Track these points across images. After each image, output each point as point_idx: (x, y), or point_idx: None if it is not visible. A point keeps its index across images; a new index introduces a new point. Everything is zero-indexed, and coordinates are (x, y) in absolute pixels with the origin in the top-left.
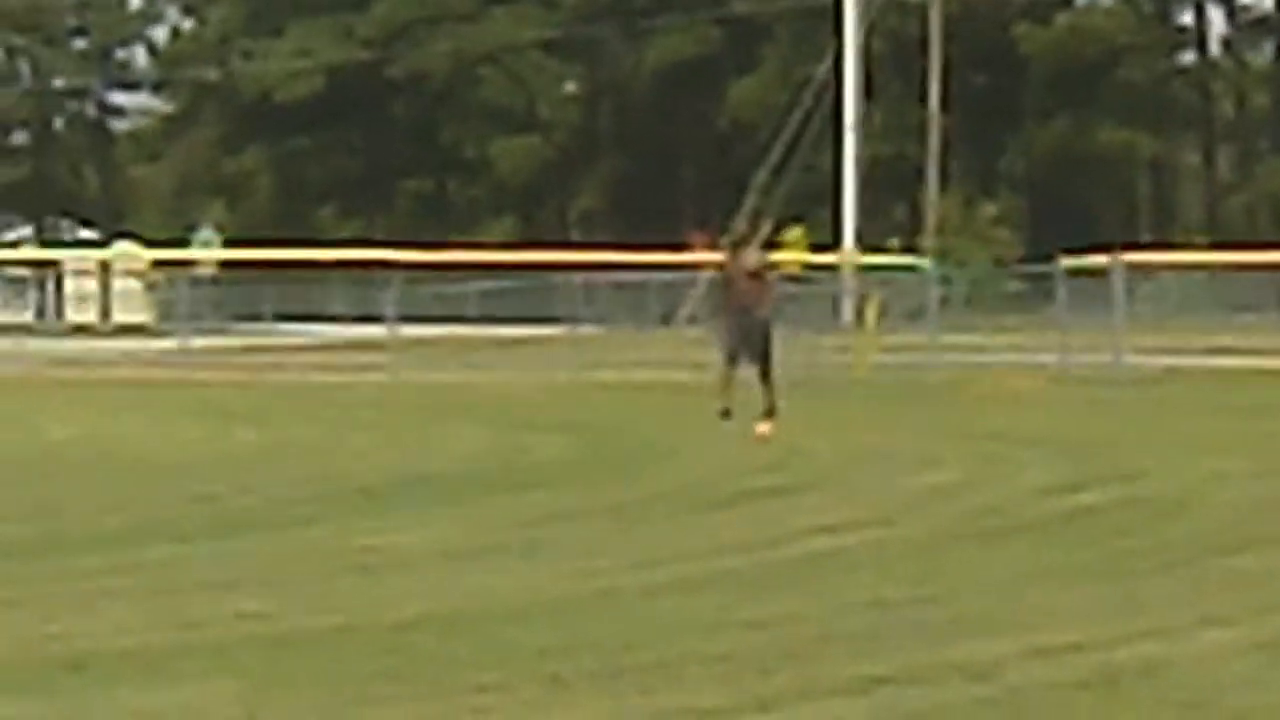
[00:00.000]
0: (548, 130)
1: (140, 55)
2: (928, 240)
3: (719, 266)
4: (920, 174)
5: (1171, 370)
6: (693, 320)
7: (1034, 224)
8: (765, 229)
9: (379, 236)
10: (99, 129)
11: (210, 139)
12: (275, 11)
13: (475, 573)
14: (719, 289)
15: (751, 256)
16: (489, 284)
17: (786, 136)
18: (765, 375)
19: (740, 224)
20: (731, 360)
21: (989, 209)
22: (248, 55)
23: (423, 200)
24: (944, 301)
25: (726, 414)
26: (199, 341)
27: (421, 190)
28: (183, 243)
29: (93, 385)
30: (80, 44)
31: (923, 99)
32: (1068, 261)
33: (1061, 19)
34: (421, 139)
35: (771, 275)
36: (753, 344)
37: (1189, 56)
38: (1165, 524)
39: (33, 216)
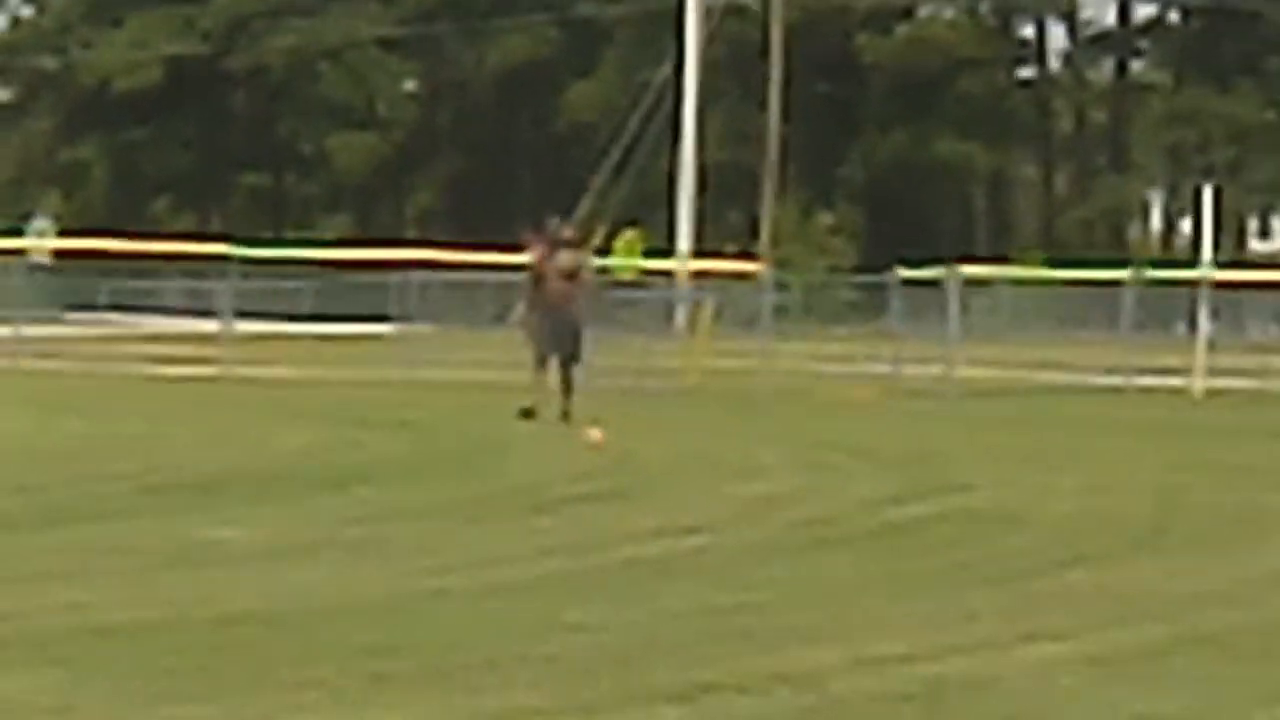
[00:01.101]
0: (386, 127)
1: None
2: (764, 248)
3: (533, 265)
4: (758, 181)
5: (1004, 384)
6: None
7: (871, 234)
8: (594, 230)
9: (215, 229)
10: None
11: (47, 128)
12: (115, 2)
13: (301, 569)
14: (531, 288)
15: (566, 256)
16: (324, 281)
17: (625, 140)
18: (568, 378)
19: (554, 223)
20: (541, 362)
21: (826, 218)
22: (86, 45)
23: (259, 194)
24: (779, 310)
25: (528, 413)
26: (31, 330)
27: (258, 184)
28: (17, 231)
29: None
30: None
31: (762, 106)
32: (903, 272)
33: (903, 30)
34: (259, 133)
35: (587, 276)
36: (563, 345)
37: (1029, 70)
38: (995, 537)
39: None
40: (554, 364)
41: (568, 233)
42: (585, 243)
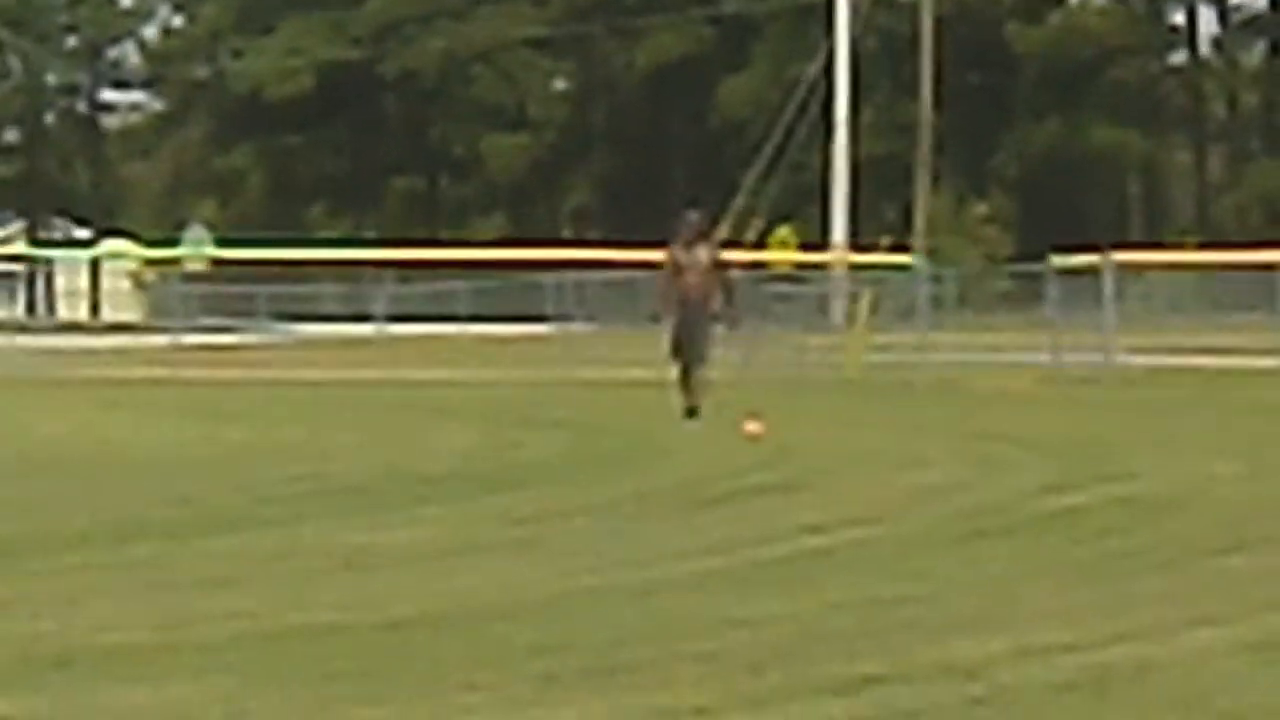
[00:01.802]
0: (538, 128)
1: (131, 53)
2: (918, 239)
3: (670, 261)
4: (911, 173)
5: (1162, 370)
6: (735, 325)
7: (1025, 223)
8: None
9: (369, 234)
10: (90, 126)
11: (201, 137)
12: (266, 9)
13: (465, 571)
14: (667, 283)
15: (705, 251)
16: (479, 282)
17: (777, 135)
18: (697, 378)
19: (692, 217)
20: (677, 356)
21: (980, 208)
22: (238, 53)
23: (413, 198)
24: (935, 301)
25: (692, 412)
26: (190, 339)
27: (412, 188)
28: (173, 241)
29: (82, 383)
30: (72, 41)
31: (914, 98)
32: (1058, 260)
33: (1053, 18)
34: (412, 137)
35: (727, 271)
36: (694, 346)
37: (1180, 56)
38: (1157, 524)
39: (24, 213)
40: (685, 361)
41: (700, 226)
42: (709, 238)
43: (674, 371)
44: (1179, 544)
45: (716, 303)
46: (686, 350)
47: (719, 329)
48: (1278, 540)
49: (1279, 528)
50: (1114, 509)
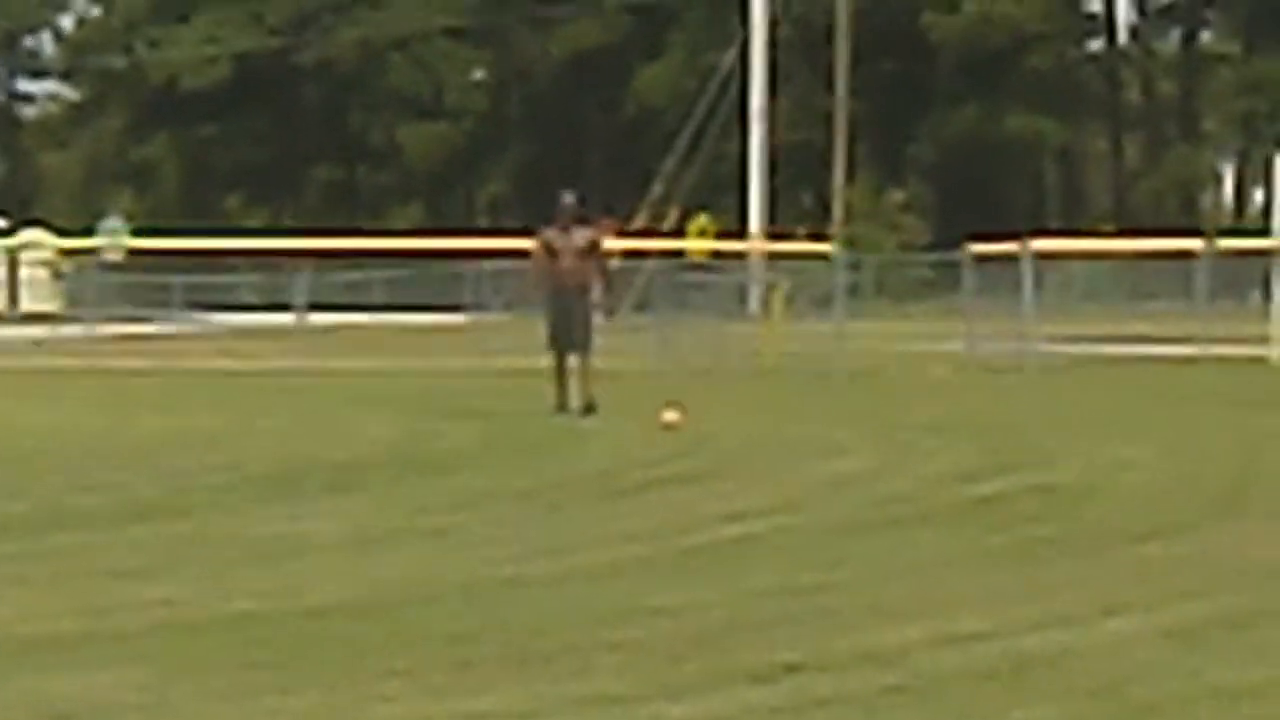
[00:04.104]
0: (455, 117)
1: (47, 42)
2: (836, 227)
3: (543, 246)
4: (828, 161)
5: (1078, 358)
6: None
7: (942, 211)
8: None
9: (288, 224)
10: (6, 116)
11: (118, 127)
12: None
13: (384, 559)
14: (537, 268)
15: (580, 235)
16: (398, 271)
17: (694, 124)
18: (583, 368)
19: (568, 198)
20: (554, 346)
21: (897, 196)
22: (154, 43)
23: (331, 187)
24: (852, 289)
25: (562, 407)
26: (107, 329)
27: (330, 177)
28: (90, 231)
29: (1, 373)
30: None
31: (830, 86)
32: (976, 248)
33: (970, 6)
34: (330, 126)
35: (603, 255)
36: (574, 334)
37: (1098, 44)
38: (1073, 511)
39: None
40: (569, 350)
41: (576, 209)
42: (588, 222)
43: (549, 361)
44: (1095, 531)
45: (594, 289)
46: (564, 339)
47: (597, 318)
48: (1193, 527)
49: (1194, 514)
50: (1031, 496)
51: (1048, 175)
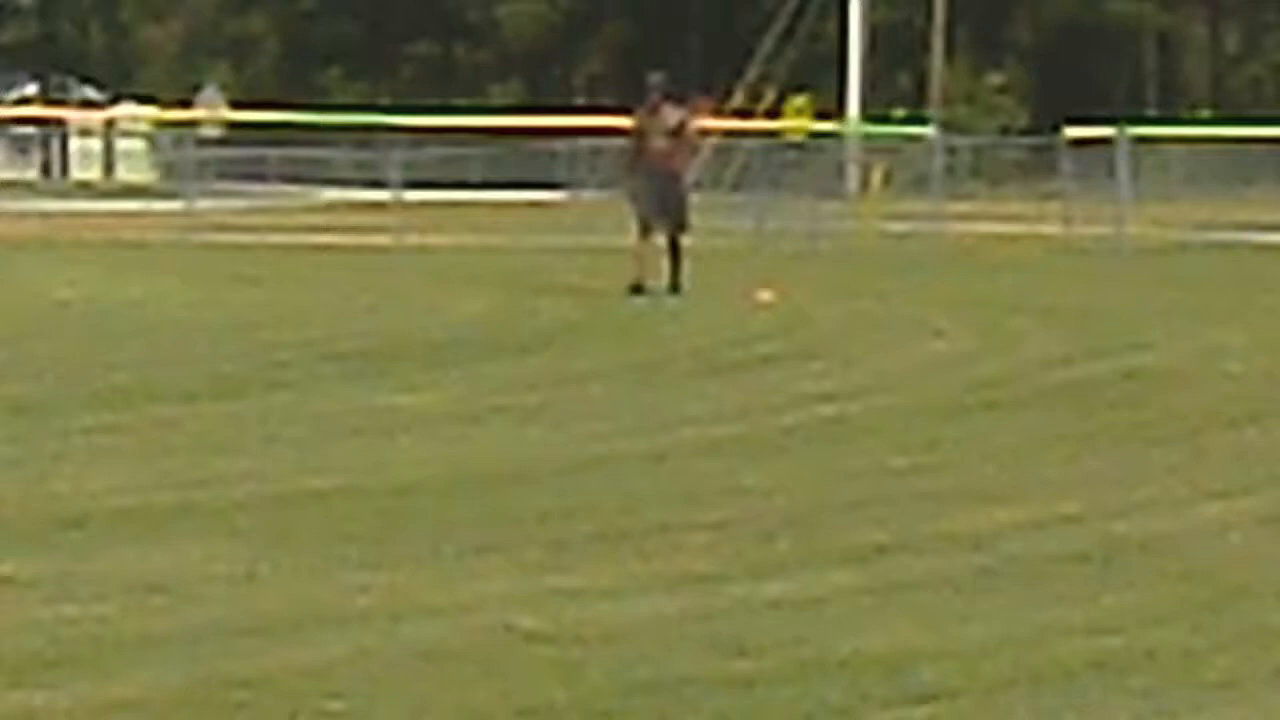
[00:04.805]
0: None
1: None
2: (933, 109)
3: (635, 123)
4: (926, 42)
5: (1175, 243)
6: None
7: (1040, 94)
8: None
9: (384, 100)
10: None
11: (215, 1)
12: None
13: (477, 437)
14: (633, 148)
15: (672, 114)
16: (494, 149)
17: (792, 4)
18: (676, 247)
19: (657, 79)
20: (645, 229)
21: (994, 78)
22: None
23: (428, 64)
24: (949, 171)
25: (638, 289)
26: (202, 203)
27: (427, 54)
28: (187, 103)
29: (96, 245)
30: None
31: None
32: (1072, 132)
33: None
34: (427, 2)
35: (694, 134)
36: (668, 209)
37: None
38: (1167, 396)
39: (39, 76)
40: (660, 232)
41: (665, 88)
42: (679, 101)
43: (635, 240)
44: (1190, 416)
45: (687, 168)
46: (655, 218)
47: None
48: None
49: None
50: (1126, 381)
51: (1146, 60)
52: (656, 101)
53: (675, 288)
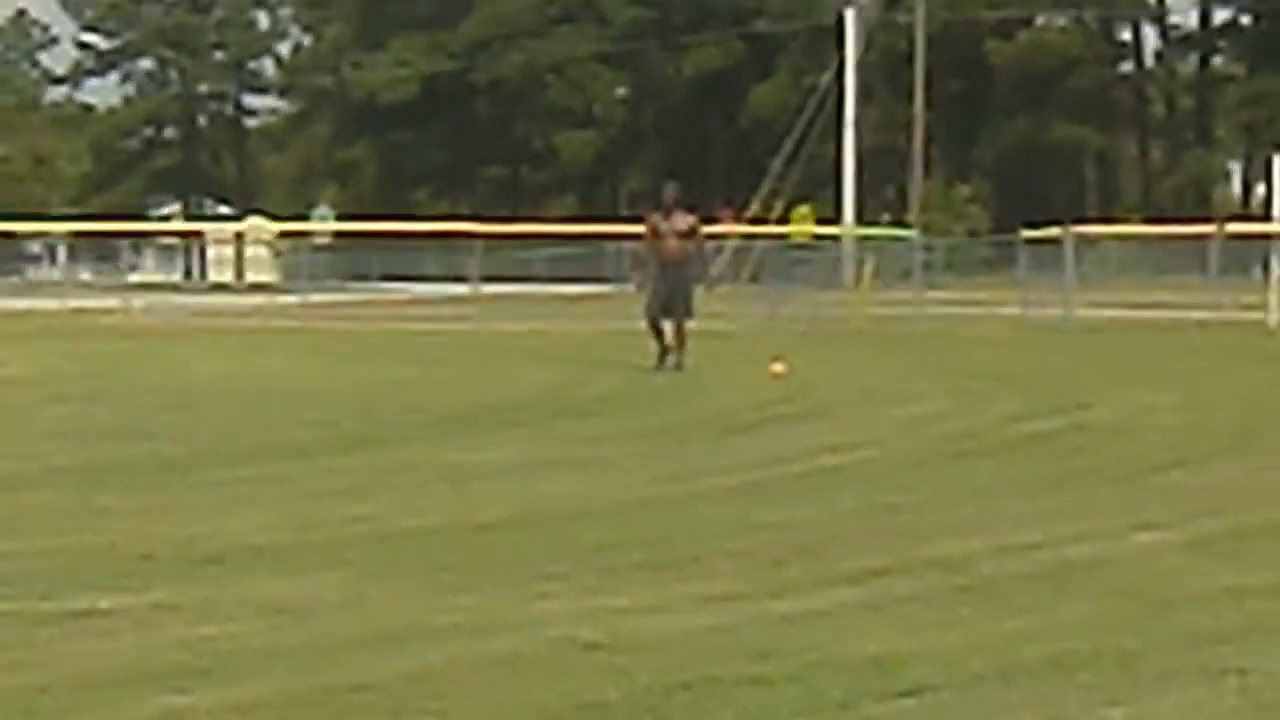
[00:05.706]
0: (602, 126)
1: (268, 65)
2: (913, 216)
3: (650, 229)
4: (907, 162)
5: (1112, 321)
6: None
7: (1000, 203)
8: (774, 205)
9: (464, 212)
10: (235, 126)
11: (325, 134)
12: (379, 28)
13: (544, 483)
14: (647, 251)
15: (682, 219)
16: (554, 251)
17: (797, 132)
18: (680, 332)
19: (670, 189)
20: (653, 323)
21: (963, 190)
22: (356, 65)
23: (500, 184)
24: (927, 265)
25: (661, 363)
26: (316, 298)
27: (499, 176)
28: (303, 218)
29: (230, 332)
30: (219, 56)
31: (909, 100)
32: (1027, 233)
33: (1023, 35)
34: (499, 134)
35: (701, 237)
36: (675, 304)
37: (1128, 66)
38: (1109, 446)
39: (181, 196)
40: (668, 323)
41: (675, 198)
42: (687, 208)
43: (647, 324)
44: (1127, 462)
45: (694, 264)
46: (670, 307)
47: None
48: (1208, 459)
49: (1209, 449)
50: (1074, 433)
51: (1087, 174)
52: (670, 207)
53: (679, 367)
